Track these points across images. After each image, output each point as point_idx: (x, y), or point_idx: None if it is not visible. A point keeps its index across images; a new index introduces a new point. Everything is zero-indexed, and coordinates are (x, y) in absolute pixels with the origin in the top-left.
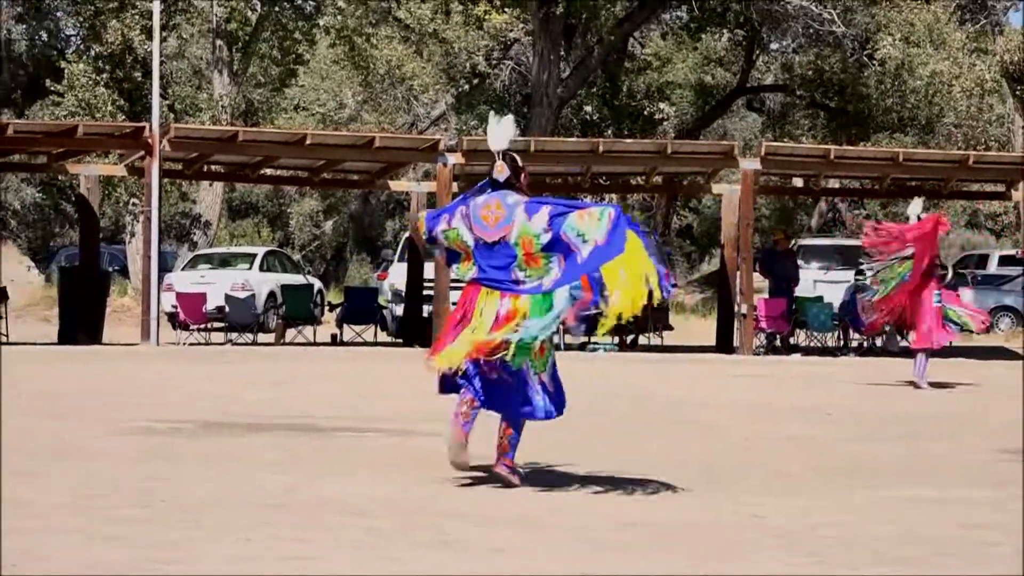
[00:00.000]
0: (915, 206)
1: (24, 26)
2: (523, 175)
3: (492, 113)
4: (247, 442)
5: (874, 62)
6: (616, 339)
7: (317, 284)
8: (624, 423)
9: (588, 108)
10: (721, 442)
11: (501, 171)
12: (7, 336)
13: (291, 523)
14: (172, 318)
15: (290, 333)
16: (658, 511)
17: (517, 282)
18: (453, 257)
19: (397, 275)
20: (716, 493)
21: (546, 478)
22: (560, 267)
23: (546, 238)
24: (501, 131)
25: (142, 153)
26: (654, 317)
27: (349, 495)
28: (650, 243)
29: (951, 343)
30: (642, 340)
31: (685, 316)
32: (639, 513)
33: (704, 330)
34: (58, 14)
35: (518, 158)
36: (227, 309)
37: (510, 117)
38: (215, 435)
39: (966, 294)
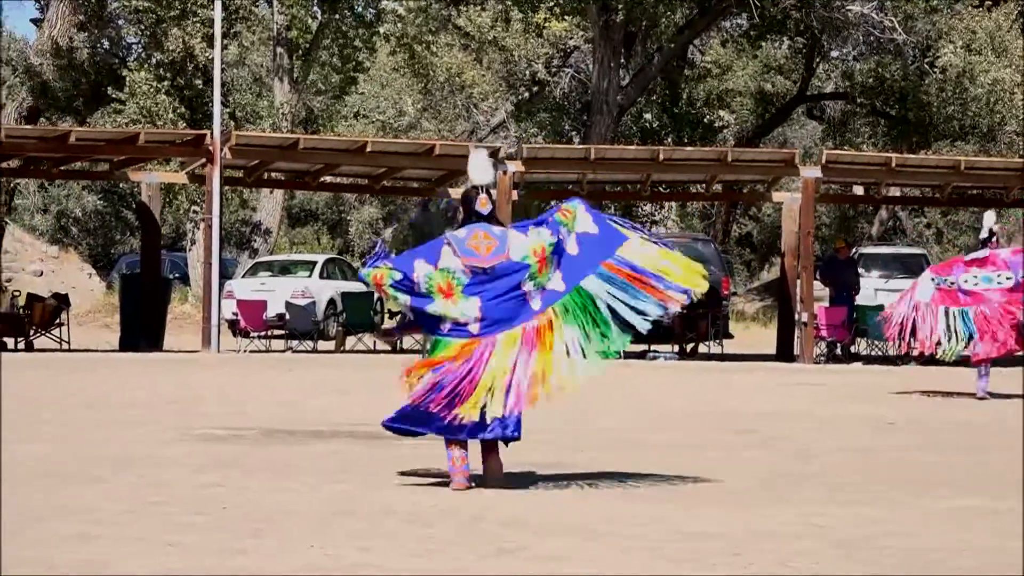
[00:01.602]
0: (989, 219)
1: (86, 34)
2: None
3: (471, 147)
4: (309, 450)
5: (935, 69)
6: (676, 348)
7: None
8: (683, 433)
9: (648, 116)
10: (781, 452)
11: (485, 204)
12: (68, 343)
13: (354, 531)
14: (233, 325)
15: (350, 341)
16: (718, 521)
17: (527, 298)
18: (421, 304)
19: None
20: (777, 503)
21: (603, 487)
22: (556, 266)
23: (554, 239)
24: (484, 165)
25: (203, 160)
26: (714, 326)
27: (411, 503)
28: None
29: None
30: (702, 349)
31: (745, 324)
32: (699, 523)
33: (764, 339)
34: (120, 22)
35: (494, 193)
36: (287, 316)
37: (484, 151)
38: (277, 443)
39: None
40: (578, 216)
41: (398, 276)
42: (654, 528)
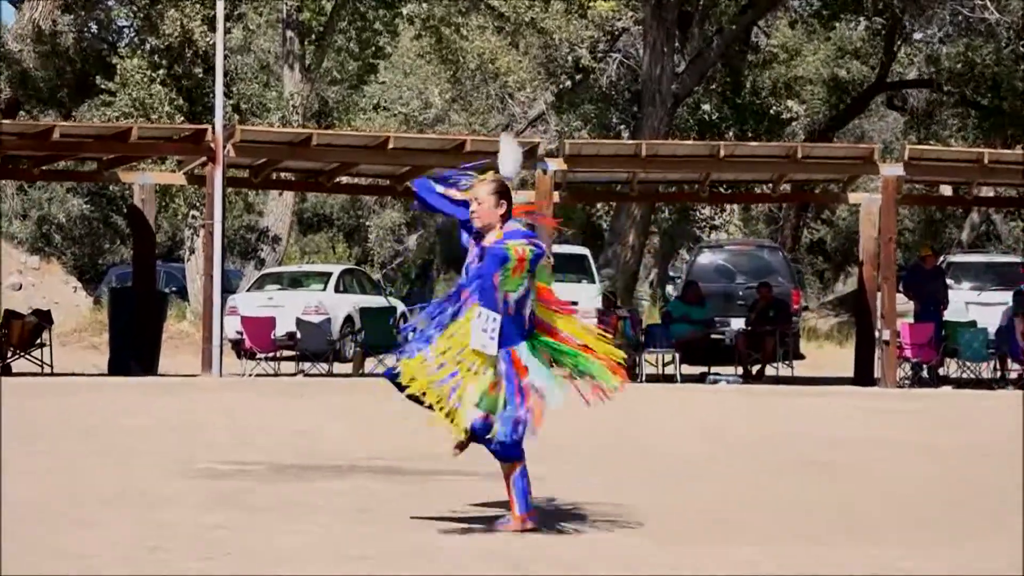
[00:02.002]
0: None
1: (71, 16)
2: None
3: (503, 136)
4: (324, 487)
5: None
6: (739, 370)
7: (400, 307)
8: (748, 464)
9: (706, 107)
10: (859, 485)
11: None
12: (51, 366)
13: (376, 573)
14: (237, 346)
15: (370, 362)
16: (788, 563)
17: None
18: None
19: None
20: (853, 543)
21: (655, 524)
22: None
23: (535, 252)
24: (515, 156)
25: (203, 159)
26: (782, 345)
27: (441, 546)
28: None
29: None
30: (769, 371)
31: (818, 343)
32: (769, 564)
33: (840, 359)
34: (109, 3)
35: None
36: (298, 335)
37: (516, 142)
38: (288, 479)
39: None
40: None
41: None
42: (719, 565)
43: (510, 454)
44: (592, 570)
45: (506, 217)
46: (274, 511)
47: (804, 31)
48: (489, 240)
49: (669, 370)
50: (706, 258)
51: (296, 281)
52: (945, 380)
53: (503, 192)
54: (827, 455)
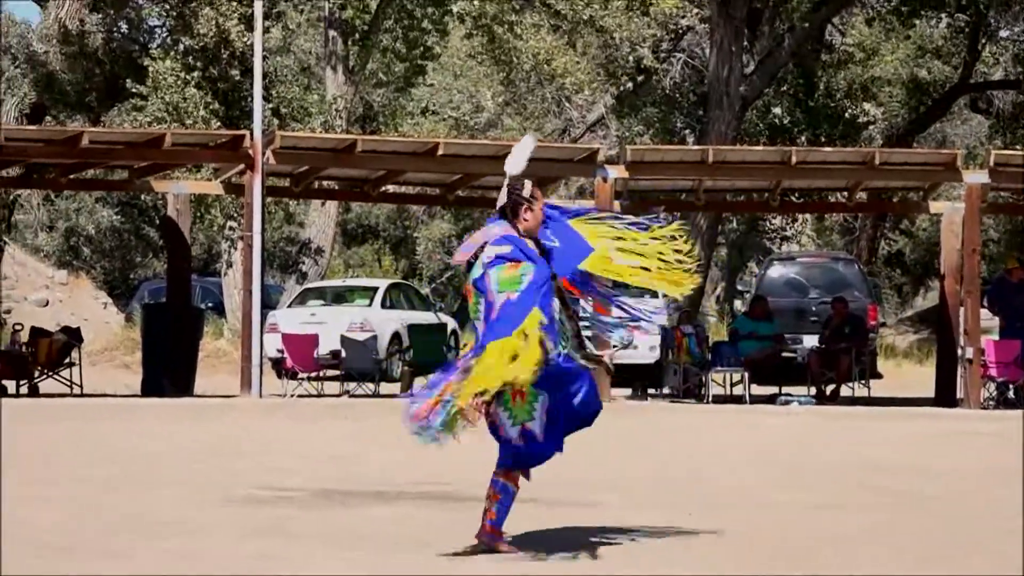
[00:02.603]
0: None
1: (100, 15)
2: (523, 208)
3: (529, 135)
4: (372, 513)
5: None
6: (812, 390)
7: (451, 323)
8: (819, 492)
9: (777, 110)
10: (943, 517)
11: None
12: (80, 386)
13: None
14: (277, 365)
15: (419, 382)
16: None
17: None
18: None
19: None
20: None
21: (727, 553)
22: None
23: (479, 272)
24: (523, 153)
25: (241, 167)
26: (858, 363)
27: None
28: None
29: None
30: (844, 391)
31: (896, 361)
32: None
33: (920, 378)
34: (140, 1)
35: (525, 188)
36: (343, 354)
37: (534, 140)
38: (333, 505)
39: None
40: (515, 285)
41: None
42: None
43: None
44: None
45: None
46: (316, 539)
47: (882, 29)
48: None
49: (737, 390)
50: (777, 271)
51: (340, 296)
52: None
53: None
54: (907, 483)
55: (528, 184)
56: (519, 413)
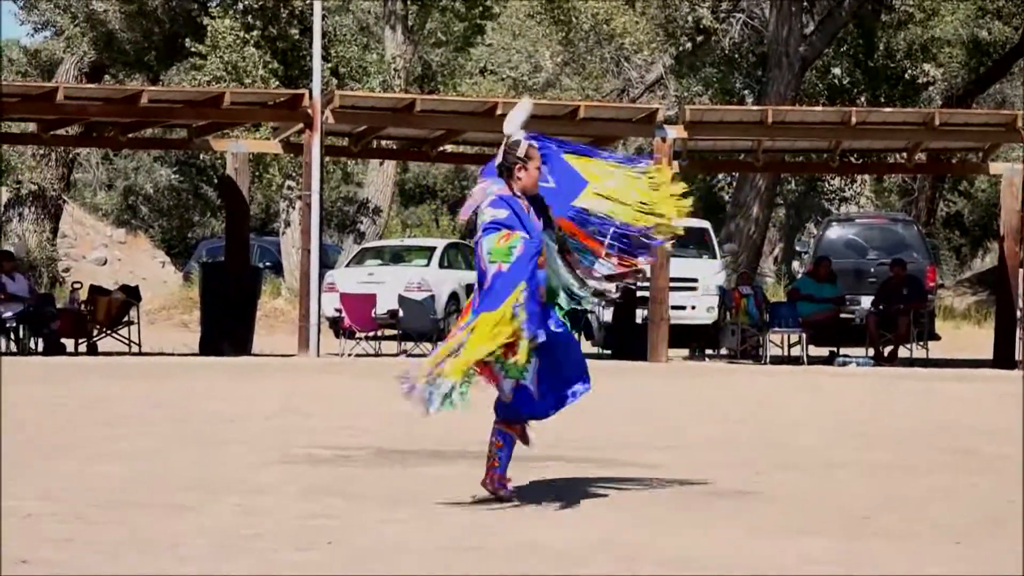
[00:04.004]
0: None
1: None
2: (517, 167)
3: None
4: (430, 472)
5: None
6: (870, 351)
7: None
8: (882, 453)
9: (837, 70)
10: (1008, 478)
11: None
12: (139, 345)
13: (486, 571)
14: (335, 324)
15: None
16: (925, 561)
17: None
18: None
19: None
20: (1003, 544)
21: (788, 515)
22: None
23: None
24: (521, 114)
25: (300, 126)
26: (917, 324)
27: (553, 538)
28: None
29: None
30: (902, 352)
31: (955, 323)
32: (904, 564)
33: (978, 340)
34: None
35: (520, 148)
36: (401, 313)
37: (531, 103)
38: (392, 464)
39: None
40: (508, 256)
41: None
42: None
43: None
44: (719, 561)
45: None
46: (376, 499)
47: None
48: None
49: (795, 351)
50: (835, 232)
51: (398, 256)
52: None
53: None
54: (967, 444)
55: (524, 144)
56: (512, 370)
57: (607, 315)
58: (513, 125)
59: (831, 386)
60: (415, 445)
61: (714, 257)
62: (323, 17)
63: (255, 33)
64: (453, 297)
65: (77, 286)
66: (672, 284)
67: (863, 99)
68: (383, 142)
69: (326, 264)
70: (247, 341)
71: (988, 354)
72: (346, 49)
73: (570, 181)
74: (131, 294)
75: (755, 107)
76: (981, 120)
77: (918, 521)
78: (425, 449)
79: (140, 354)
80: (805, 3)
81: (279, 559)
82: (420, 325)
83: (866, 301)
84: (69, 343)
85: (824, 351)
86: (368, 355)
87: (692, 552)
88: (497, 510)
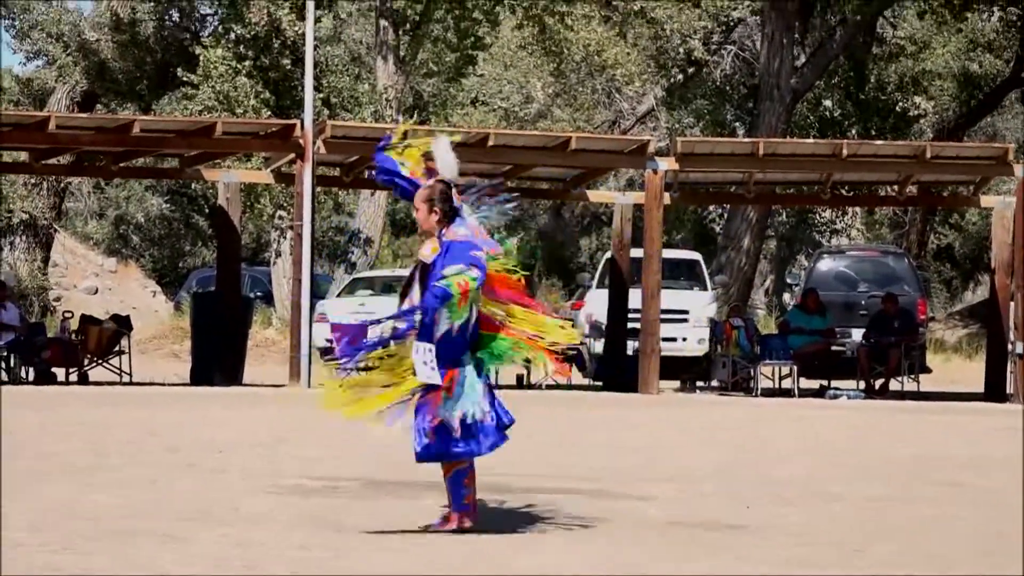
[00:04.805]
0: None
1: (151, 3)
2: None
3: (436, 136)
4: (422, 504)
5: None
6: (861, 384)
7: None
8: (873, 486)
9: (828, 103)
10: (996, 511)
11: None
12: (130, 375)
13: None
14: (326, 354)
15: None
16: None
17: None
18: None
19: (595, 304)
20: (988, 570)
21: (777, 547)
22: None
23: (477, 280)
24: (452, 156)
25: (292, 156)
26: (907, 357)
27: (546, 567)
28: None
29: None
30: (893, 385)
31: (946, 356)
32: None
33: (969, 373)
34: None
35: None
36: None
37: (447, 140)
38: (383, 495)
39: None
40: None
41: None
42: None
43: (423, 459)
44: None
45: (450, 219)
46: (368, 529)
47: (933, 22)
48: (425, 252)
49: (786, 384)
50: (826, 264)
51: (389, 286)
52: None
53: (437, 198)
54: (958, 477)
55: (434, 187)
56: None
57: (598, 347)
58: (453, 169)
59: (822, 419)
60: (407, 476)
61: (705, 289)
62: (315, 47)
63: (247, 63)
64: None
65: (68, 315)
66: (663, 316)
67: (854, 131)
68: (373, 173)
69: (317, 294)
70: (238, 371)
71: (979, 387)
72: (338, 79)
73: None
74: (122, 324)
75: (746, 139)
76: (972, 153)
77: (910, 553)
78: (417, 480)
79: (131, 384)
80: (796, 36)
81: None
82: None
83: (857, 334)
84: (60, 372)
85: (815, 384)
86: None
87: None
88: (491, 540)
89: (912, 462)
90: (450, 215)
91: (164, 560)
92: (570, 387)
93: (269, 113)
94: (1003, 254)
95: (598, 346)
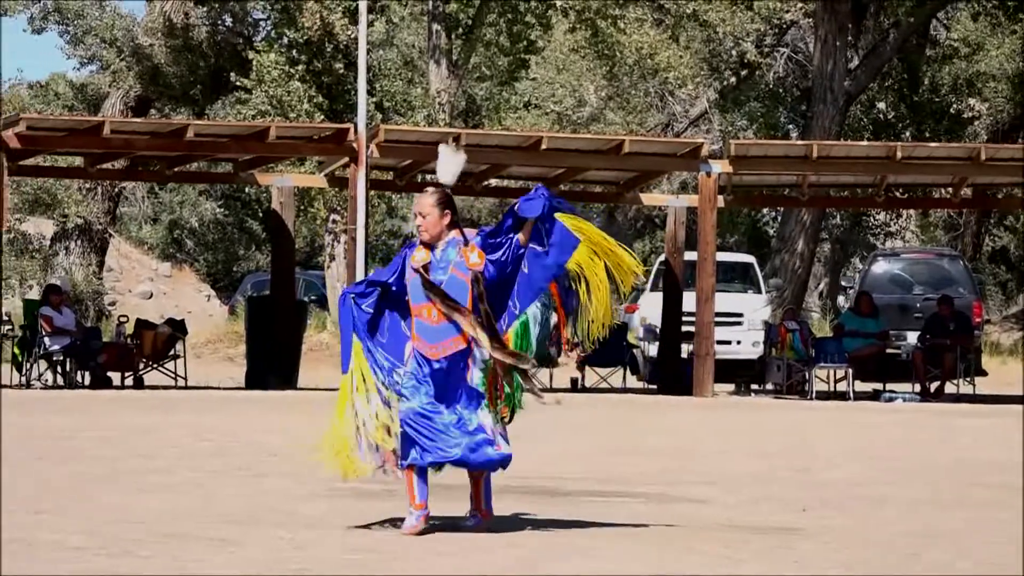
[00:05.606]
0: None
1: (205, 9)
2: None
3: (442, 144)
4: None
5: None
6: (916, 387)
7: (554, 318)
8: (927, 489)
9: (881, 105)
10: None
11: None
12: (185, 378)
13: None
14: None
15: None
16: None
17: None
18: None
19: (649, 307)
20: None
21: (831, 551)
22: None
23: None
24: (455, 162)
25: (345, 160)
26: (963, 360)
27: (600, 570)
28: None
29: None
30: (949, 388)
31: (1001, 359)
32: None
33: None
34: None
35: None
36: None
37: (453, 145)
38: (438, 499)
39: None
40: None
41: None
42: None
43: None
44: None
45: (452, 226)
46: (424, 533)
47: (987, 24)
48: (423, 256)
49: (841, 387)
50: (881, 267)
51: None
52: None
53: (446, 202)
54: (1013, 480)
55: (443, 192)
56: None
57: (653, 350)
58: (453, 177)
59: (877, 421)
60: (457, 480)
61: (759, 292)
62: (368, 51)
63: (300, 67)
64: None
65: (123, 320)
66: (717, 319)
67: (908, 134)
68: (428, 176)
69: None
70: (292, 375)
71: None
72: (391, 83)
73: (560, 245)
74: (177, 328)
75: (800, 142)
76: None
77: (964, 558)
78: (466, 484)
79: (186, 387)
80: (849, 38)
81: None
82: None
83: (912, 336)
84: (115, 376)
85: (870, 387)
86: None
87: None
88: (544, 543)
89: (967, 465)
90: (456, 221)
91: (218, 563)
92: (624, 390)
93: (322, 117)
94: None
95: (652, 349)
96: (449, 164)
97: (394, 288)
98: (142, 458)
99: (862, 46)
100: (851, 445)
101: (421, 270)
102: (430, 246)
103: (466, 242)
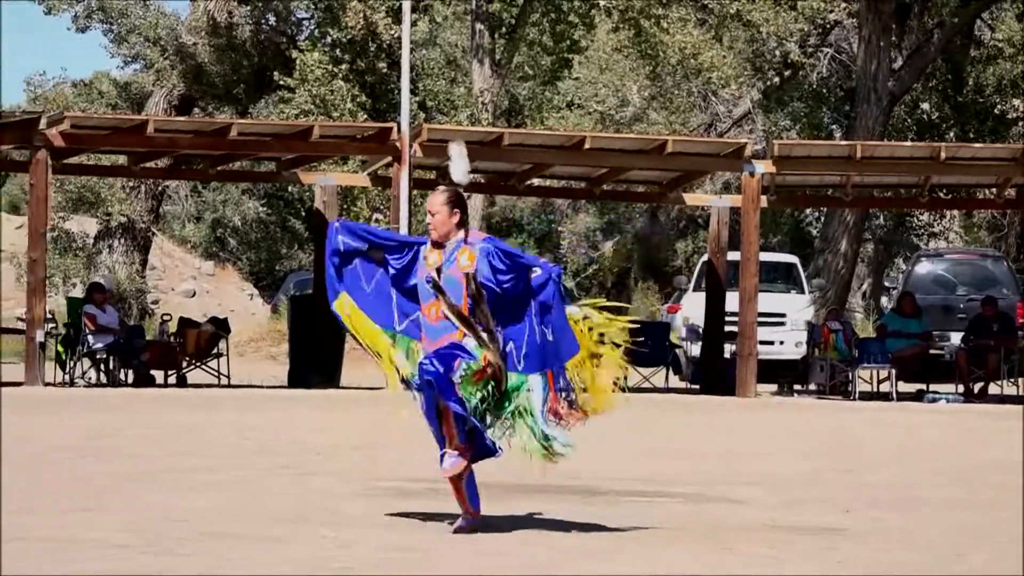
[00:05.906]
0: None
1: (248, 8)
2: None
3: (452, 143)
4: (512, 506)
5: None
6: (960, 388)
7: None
8: (968, 491)
9: (925, 105)
10: None
11: None
12: (228, 377)
13: None
14: None
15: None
16: None
17: None
18: None
19: (692, 307)
20: None
21: (873, 552)
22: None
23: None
24: (465, 161)
25: (388, 159)
26: (1007, 360)
27: (642, 569)
28: None
29: None
30: (993, 389)
31: None
32: None
33: None
34: None
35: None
36: None
37: (462, 144)
38: (483, 499)
39: None
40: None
41: None
42: None
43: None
44: None
45: (460, 225)
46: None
47: None
48: (435, 259)
49: (884, 387)
50: (924, 268)
51: None
52: None
53: (456, 201)
54: None
55: (453, 191)
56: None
57: (695, 350)
58: (464, 175)
59: (920, 422)
60: (498, 479)
61: (802, 292)
62: (411, 51)
63: (343, 67)
64: None
65: (166, 318)
66: (760, 319)
67: (952, 134)
68: (470, 175)
69: None
70: (335, 373)
71: None
72: (434, 83)
73: (567, 341)
74: (220, 326)
75: (843, 142)
76: None
77: (1006, 559)
78: (507, 484)
79: (229, 386)
80: (893, 38)
81: None
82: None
83: (955, 337)
84: (158, 375)
85: (913, 387)
86: None
87: None
88: (584, 542)
89: (1010, 467)
90: (465, 220)
91: (262, 561)
92: (667, 390)
93: (365, 116)
94: None
95: (695, 349)
96: (461, 164)
97: (392, 269)
98: (185, 456)
99: (906, 46)
100: (894, 446)
101: (434, 274)
102: (441, 245)
103: (466, 242)
